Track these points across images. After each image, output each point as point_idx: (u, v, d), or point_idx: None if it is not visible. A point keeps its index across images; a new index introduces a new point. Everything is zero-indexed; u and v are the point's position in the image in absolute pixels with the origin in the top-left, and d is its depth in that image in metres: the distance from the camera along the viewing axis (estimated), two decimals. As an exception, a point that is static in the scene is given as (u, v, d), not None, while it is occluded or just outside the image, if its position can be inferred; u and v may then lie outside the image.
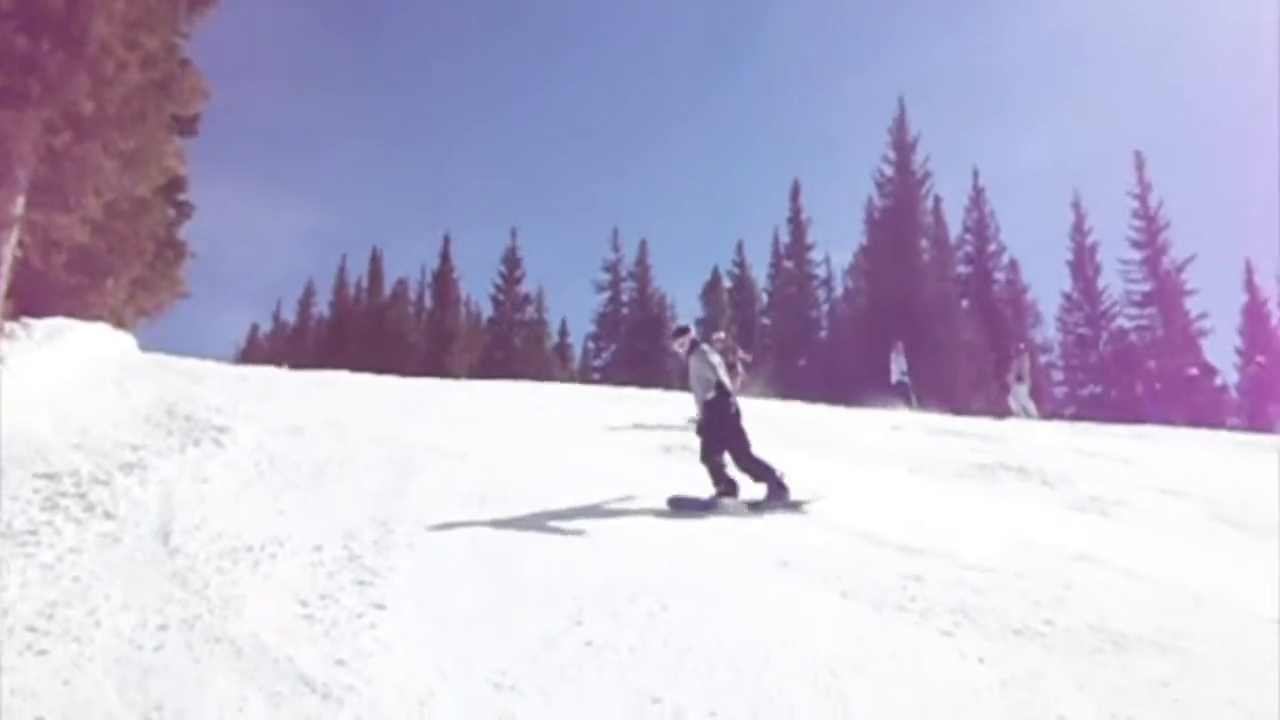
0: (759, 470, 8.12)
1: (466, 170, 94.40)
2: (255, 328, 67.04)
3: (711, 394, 8.31)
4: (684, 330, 9.09)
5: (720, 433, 8.22)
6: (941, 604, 5.42)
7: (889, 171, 46.50)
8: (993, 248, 47.64)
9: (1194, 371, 39.32)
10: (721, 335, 13.12)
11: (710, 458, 8.15)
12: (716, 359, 8.68)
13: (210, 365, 15.95)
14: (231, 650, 4.38)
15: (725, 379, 8.53)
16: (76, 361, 12.30)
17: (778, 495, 7.99)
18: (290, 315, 64.81)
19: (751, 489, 8.09)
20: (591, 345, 55.83)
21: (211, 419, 9.67)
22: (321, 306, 62.50)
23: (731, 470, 8.12)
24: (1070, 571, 6.32)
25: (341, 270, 60.74)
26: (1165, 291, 43.31)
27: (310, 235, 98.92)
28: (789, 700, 4.05)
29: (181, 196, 20.58)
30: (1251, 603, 5.73)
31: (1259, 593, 6.05)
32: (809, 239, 51.19)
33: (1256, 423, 30.57)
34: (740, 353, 13.89)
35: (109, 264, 17.28)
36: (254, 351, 57.16)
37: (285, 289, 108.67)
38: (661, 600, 5.36)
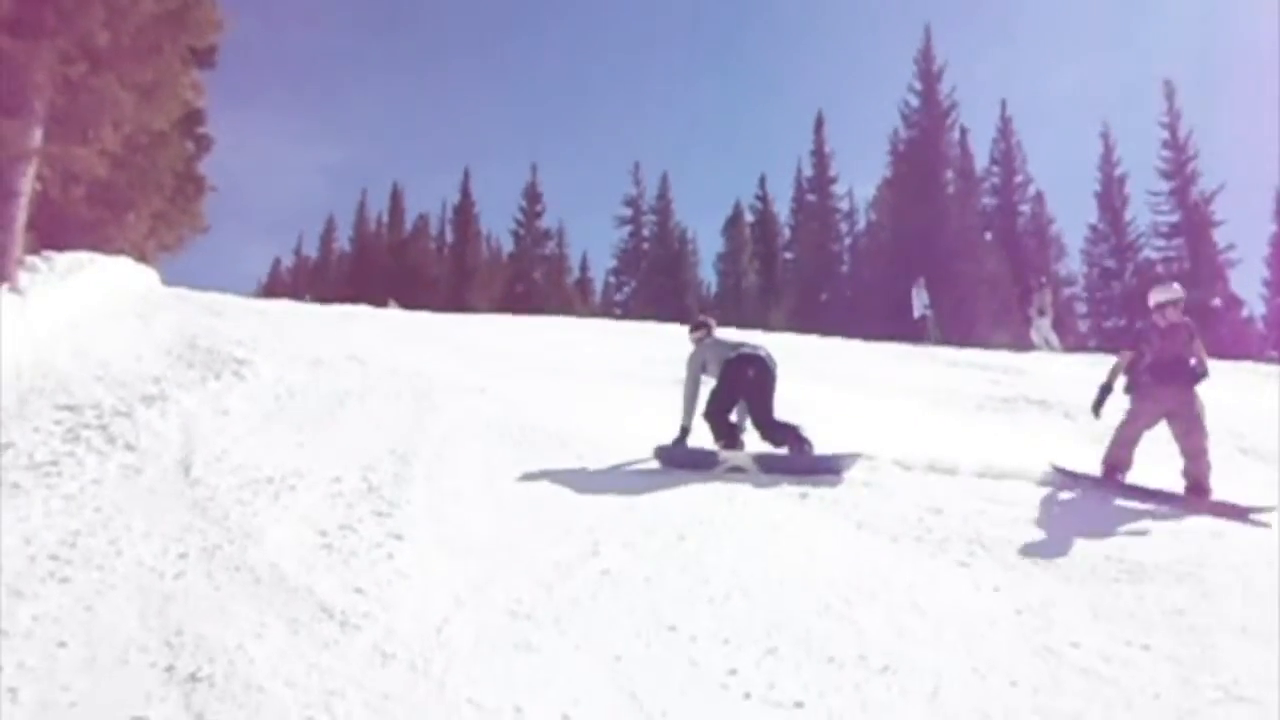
0: (778, 434, 7.21)
1: (486, 104, 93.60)
2: (277, 262, 67.33)
3: (731, 354, 7.45)
4: (694, 328, 8.26)
5: (731, 391, 7.40)
6: (958, 535, 5.41)
7: (914, 102, 45.53)
8: (1019, 179, 46.77)
9: (1218, 303, 38.84)
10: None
11: (711, 416, 7.38)
12: (730, 344, 7.76)
13: (231, 299, 16.02)
14: (251, 579, 4.43)
15: (745, 345, 7.65)
16: (98, 294, 12.36)
17: (801, 452, 7.03)
18: (312, 250, 65.03)
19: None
20: (612, 280, 55.67)
21: (232, 352, 9.71)
22: (343, 241, 62.62)
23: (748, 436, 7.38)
24: (1089, 502, 6.29)
25: (362, 205, 60.73)
26: (1193, 222, 42.52)
27: (330, 170, 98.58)
28: (803, 627, 4.07)
29: (200, 130, 20.51)
30: (1273, 535, 5.68)
31: (1278, 523, 6.00)
32: (832, 172, 50.47)
33: (1283, 354, 30.31)
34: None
35: (129, 198, 17.28)
36: (276, 285, 57.42)
37: (306, 223, 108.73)
38: (678, 531, 5.38)
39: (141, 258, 17.15)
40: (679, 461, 7.05)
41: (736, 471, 6.94)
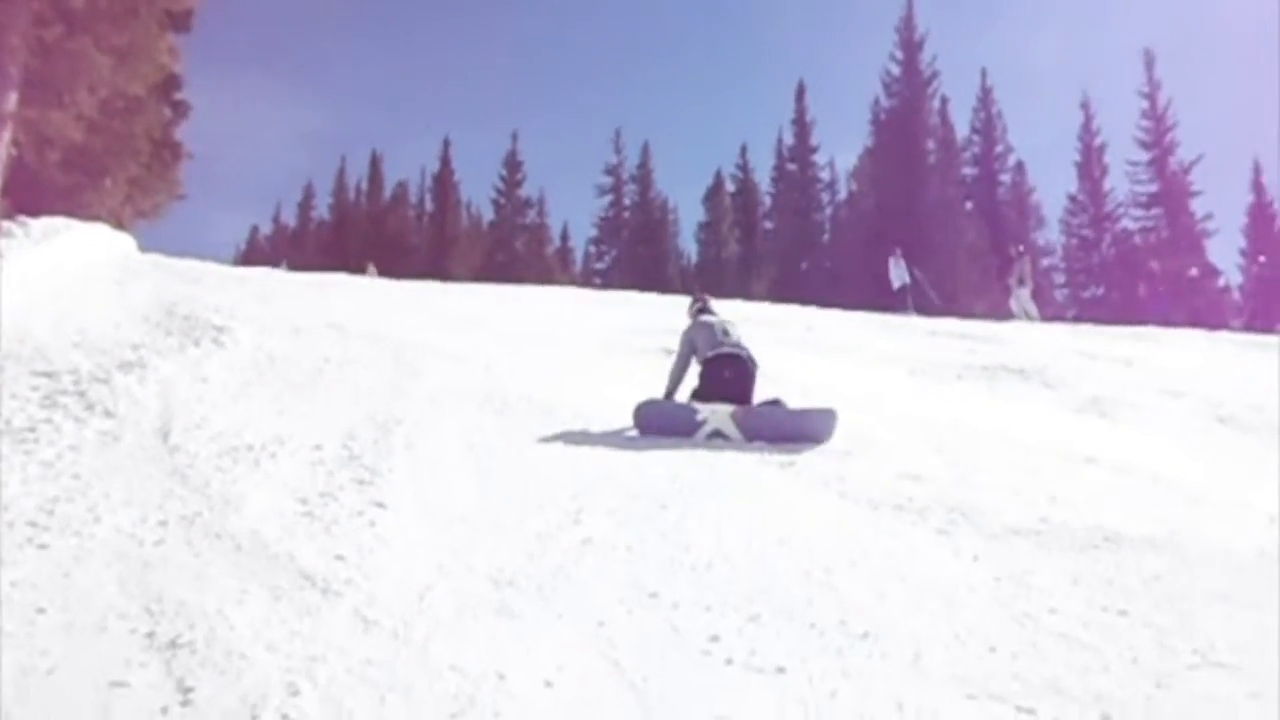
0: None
1: (467, 71, 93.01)
2: (255, 230, 67.01)
3: (710, 353, 7.52)
4: (693, 301, 8.65)
5: (708, 393, 7.39)
6: (938, 504, 5.44)
7: (896, 71, 45.62)
8: (999, 149, 47.00)
9: (1195, 273, 39.19)
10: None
11: None
12: (716, 324, 7.85)
13: (210, 266, 15.89)
14: (231, 546, 4.41)
15: (727, 340, 7.63)
16: (75, 261, 12.24)
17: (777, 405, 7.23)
18: (290, 218, 64.67)
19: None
20: (593, 249, 55.66)
21: (211, 319, 9.65)
22: (321, 209, 62.28)
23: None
24: (1068, 471, 6.34)
25: (341, 173, 60.50)
26: (1171, 192, 42.85)
27: (309, 137, 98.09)
28: (784, 595, 4.09)
29: (177, 95, 20.31)
30: (1247, 501, 5.76)
31: (1255, 491, 6.08)
32: (813, 141, 50.60)
33: (1258, 323, 30.62)
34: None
35: (105, 164, 17.15)
36: (254, 253, 57.10)
37: (285, 191, 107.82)
38: (660, 500, 5.39)
39: (118, 224, 16.99)
40: (658, 423, 7.06)
41: (718, 437, 6.96)
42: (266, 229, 66.00)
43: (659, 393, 7.57)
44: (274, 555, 4.31)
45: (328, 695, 3.09)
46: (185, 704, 3.01)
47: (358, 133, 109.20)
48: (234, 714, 2.95)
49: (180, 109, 20.48)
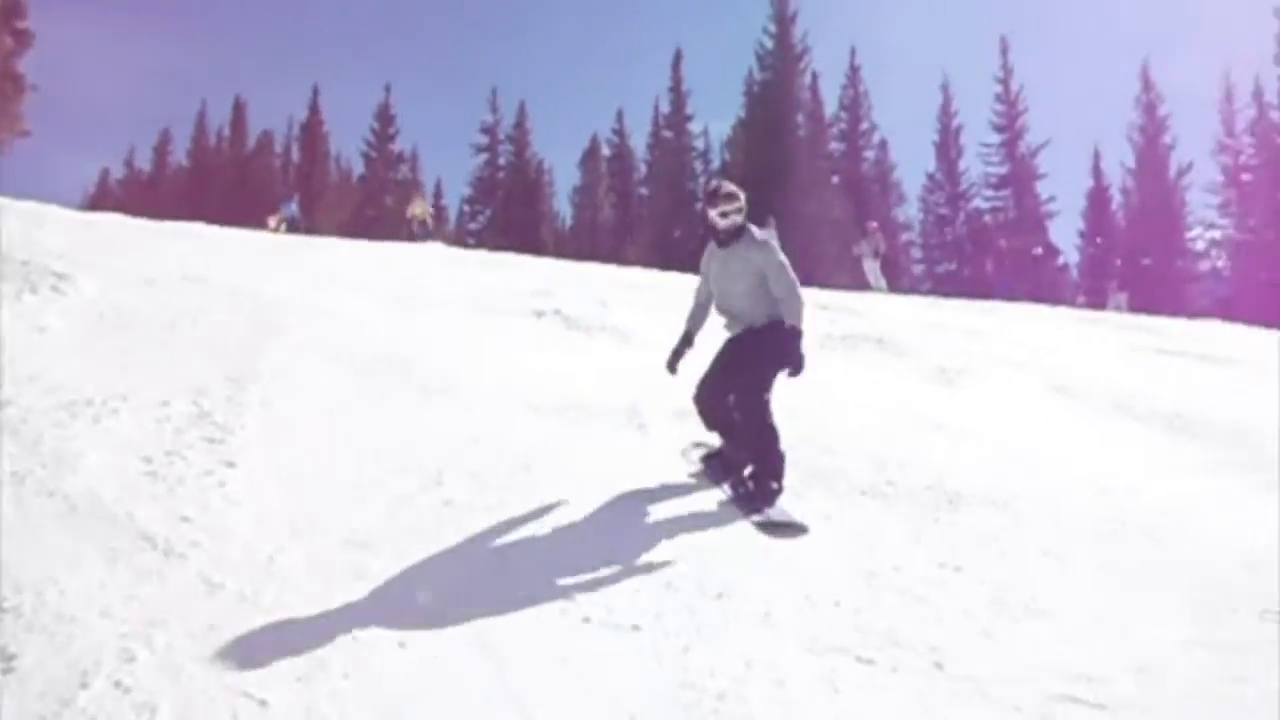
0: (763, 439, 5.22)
1: (339, 17, 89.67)
2: (106, 173, 63.48)
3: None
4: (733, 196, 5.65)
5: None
6: (793, 466, 5.55)
7: (769, 44, 46.19)
8: (865, 126, 48.30)
9: (1039, 251, 41.35)
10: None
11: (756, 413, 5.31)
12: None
13: (54, 210, 14.96)
14: (65, 506, 4.19)
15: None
16: (-103, 202, 11.39)
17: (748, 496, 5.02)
18: (145, 163, 61.52)
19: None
20: (467, 209, 54.82)
21: (51, 265, 9.08)
22: (179, 155, 59.50)
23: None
24: (915, 436, 6.60)
25: (201, 116, 57.86)
26: (1019, 174, 45.10)
27: (166, 76, 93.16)
28: (642, 557, 4.16)
29: (19, 23, 19.01)
30: (1077, 466, 6.11)
31: (1085, 458, 6.46)
32: (689, 110, 50.87)
33: (1093, 300, 32.62)
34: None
35: (-66, 97, 15.97)
36: (105, 199, 54.15)
37: (139, 134, 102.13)
38: (524, 461, 5.37)
39: (-50, 163, 15.89)
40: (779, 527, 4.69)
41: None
42: (118, 173, 62.63)
43: (533, 349, 7.50)
44: (112, 516, 4.11)
45: (166, 661, 2.99)
46: (7, 672, 2.87)
47: (220, 75, 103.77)
48: (61, 682, 2.83)
49: (23, 38, 19.19)
